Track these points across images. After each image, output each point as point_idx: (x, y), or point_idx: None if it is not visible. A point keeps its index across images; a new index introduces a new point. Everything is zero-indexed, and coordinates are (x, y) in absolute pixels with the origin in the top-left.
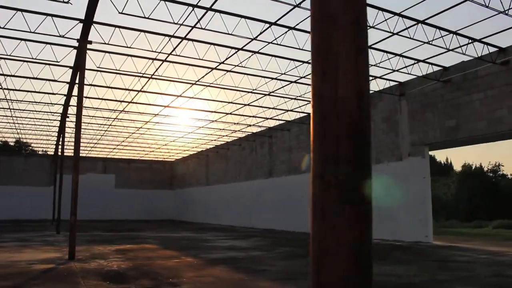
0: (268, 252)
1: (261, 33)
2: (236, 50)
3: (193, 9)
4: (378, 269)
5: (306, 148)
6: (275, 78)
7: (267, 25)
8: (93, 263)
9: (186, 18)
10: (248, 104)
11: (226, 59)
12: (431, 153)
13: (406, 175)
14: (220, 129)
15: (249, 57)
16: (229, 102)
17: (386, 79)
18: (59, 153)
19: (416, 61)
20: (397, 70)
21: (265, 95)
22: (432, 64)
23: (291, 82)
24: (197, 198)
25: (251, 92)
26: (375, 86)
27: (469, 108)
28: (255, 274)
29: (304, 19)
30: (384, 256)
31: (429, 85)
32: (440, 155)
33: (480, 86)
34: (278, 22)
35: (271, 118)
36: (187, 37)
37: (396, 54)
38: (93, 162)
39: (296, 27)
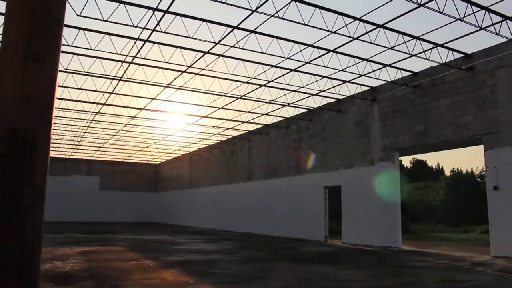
0: (230, 255)
1: (224, 37)
2: (203, 54)
3: (153, 13)
4: (330, 274)
5: (283, 152)
6: (246, 82)
7: (230, 28)
8: (48, 264)
9: (148, 21)
10: (222, 107)
11: (194, 62)
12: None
13: (377, 180)
14: (200, 132)
15: (214, 60)
16: (203, 105)
17: (357, 84)
18: None
19: (383, 66)
20: (364, 75)
21: (237, 98)
22: (400, 69)
23: (261, 85)
24: (180, 201)
25: (224, 95)
26: (345, 91)
27: (437, 114)
28: (203, 277)
29: (263, 22)
30: (346, 261)
31: (399, 90)
32: (431, 159)
33: (447, 91)
34: (240, 26)
35: (247, 122)
36: (150, 39)
37: (363, 59)
38: (77, 164)
39: (257, 30)
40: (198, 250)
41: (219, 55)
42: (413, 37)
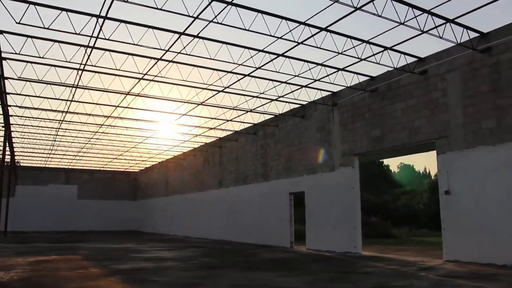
0: (183, 263)
1: (173, 43)
2: (156, 60)
3: (97, 20)
4: (269, 280)
5: (251, 158)
6: (205, 88)
7: (177, 35)
8: None
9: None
10: (185, 114)
11: (149, 70)
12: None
13: (337, 185)
14: (171, 139)
15: (165, 66)
16: (165, 112)
17: (317, 89)
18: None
19: (337, 70)
20: (319, 80)
21: (198, 104)
22: (357, 73)
23: (219, 91)
24: (157, 209)
25: (187, 102)
26: (307, 96)
27: (393, 118)
28: (139, 284)
29: (203, 28)
30: (297, 267)
31: (358, 95)
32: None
33: (402, 95)
34: (186, 32)
35: (214, 128)
36: (101, 47)
37: (317, 64)
38: (54, 172)
39: (207, 36)
40: (154, 258)
41: (168, 61)
42: (362, 41)
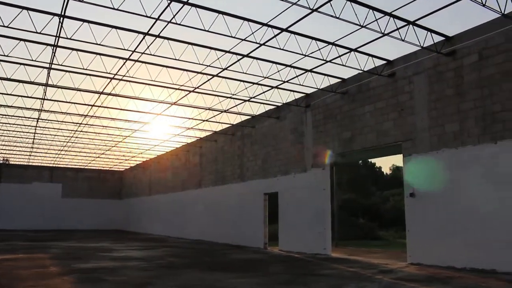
0: (147, 262)
1: (139, 44)
2: (125, 60)
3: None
4: (222, 281)
5: (229, 158)
6: (178, 89)
7: (141, 35)
8: None
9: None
10: (160, 114)
11: (118, 69)
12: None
13: (309, 187)
14: (151, 138)
15: (131, 66)
16: (145, 112)
17: (291, 90)
18: None
19: (304, 71)
20: (287, 81)
21: (171, 104)
22: (328, 75)
23: (190, 91)
24: (141, 208)
25: (159, 102)
26: (281, 97)
27: (362, 120)
28: (90, 284)
29: (163, 28)
30: (259, 268)
31: (330, 97)
32: None
33: (371, 97)
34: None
35: (191, 128)
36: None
37: (286, 65)
38: (39, 171)
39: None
40: (121, 257)
41: (134, 60)
42: (328, 42)
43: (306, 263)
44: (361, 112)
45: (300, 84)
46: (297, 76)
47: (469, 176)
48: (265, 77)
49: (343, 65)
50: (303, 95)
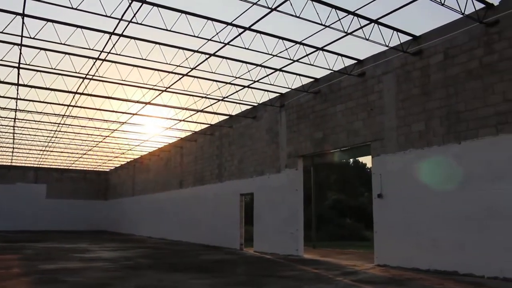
0: (114, 263)
1: (106, 43)
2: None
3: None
4: (180, 282)
5: (208, 159)
6: (151, 88)
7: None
8: None
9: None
10: (136, 114)
11: (89, 69)
12: None
13: (282, 187)
14: (133, 139)
15: (99, 66)
16: (120, 112)
17: (265, 90)
18: None
19: (274, 70)
20: (257, 81)
21: (146, 104)
22: (300, 75)
23: (162, 91)
24: (125, 209)
25: (131, 101)
26: (257, 97)
27: (333, 120)
28: (46, 285)
29: (126, 27)
30: (225, 269)
31: (304, 97)
32: None
33: (342, 97)
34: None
35: (170, 128)
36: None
37: (255, 64)
38: (23, 171)
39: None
40: (91, 258)
41: (102, 59)
42: (295, 42)
43: (274, 264)
44: (332, 112)
45: (271, 84)
46: (267, 75)
47: (433, 176)
48: (237, 77)
49: (311, 64)
50: (278, 95)
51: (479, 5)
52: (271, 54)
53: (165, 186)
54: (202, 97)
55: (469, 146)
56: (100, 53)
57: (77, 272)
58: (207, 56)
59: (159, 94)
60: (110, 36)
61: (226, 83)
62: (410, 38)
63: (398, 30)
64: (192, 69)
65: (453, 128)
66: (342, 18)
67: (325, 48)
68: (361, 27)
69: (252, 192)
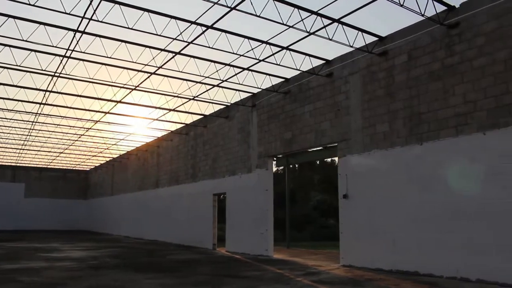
0: (79, 263)
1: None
2: (67, 59)
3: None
4: (135, 282)
5: (183, 158)
6: (122, 86)
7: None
8: None
9: None
10: (108, 112)
11: (57, 68)
12: None
13: (253, 187)
14: (109, 138)
15: (65, 64)
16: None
17: (236, 90)
18: None
19: (242, 69)
20: (226, 80)
21: (117, 102)
22: (270, 75)
23: (131, 89)
24: (104, 208)
25: (102, 99)
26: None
27: (302, 120)
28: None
29: (87, 25)
30: (187, 269)
31: (274, 97)
32: None
33: (311, 97)
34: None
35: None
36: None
37: (225, 64)
38: (0, 170)
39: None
40: (57, 258)
41: (67, 57)
42: (261, 41)
43: (239, 264)
44: (301, 112)
45: (240, 83)
46: (236, 75)
47: (396, 178)
48: (206, 77)
49: (277, 64)
50: (250, 94)
51: (442, 8)
52: (236, 54)
53: (142, 185)
54: (174, 96)
55: (430, 147)
56: (66, 51)
57: (37, 272)
58: (173, 54)
59: (129, 92)
60: (75, 34)
61: (196, 82)
62: (376, 39)
63: (363, 30)
64: (159, 67)
65: (415, 129)
66: (305, 18)
67: (290, 47)
68: (324, 27)
69: (225, 192)
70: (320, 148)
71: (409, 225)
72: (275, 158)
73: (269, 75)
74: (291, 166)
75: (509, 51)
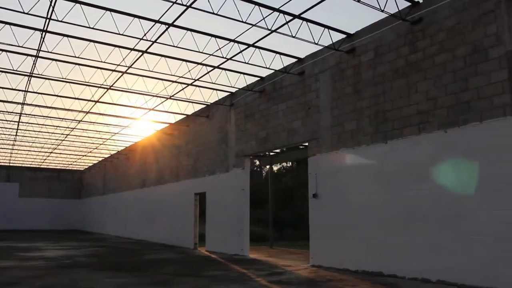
0: (51, 262)
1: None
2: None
3: None
4: (96, 281)
5: (168, 158)
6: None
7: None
8: None
9: None
10: (89, 112)
11: (33, 67)
12: None
13: (231, 187)
14: (97, 137)
15: (34, 63)
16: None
17: (214, 89)
18: None
19: (212, 67)
20: (198, 79)
21: (95, 102)
22: (243, 73)
23: (107, 89)
24: (97, 208)
25: (78, 99)
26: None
27: (276, 119)
28: None
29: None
30: (156, 268)
31: (251, 96)
32: None
33: (284, 96)
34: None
35: (127, 127)
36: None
37: (195, 63)
38: None
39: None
40: (30, 257)
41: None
42: (228, 40)
43: (209, 264)
44: (275, 111)
45: (214, 82)
46: (208, 73)
47: (362, 178)
48: (180, 76)
49: (245, 62)
50: (228, 93)
51: (406, 4)
52: (205, 53)
53: (131, 185)
54: (151, 95)
55: (394, 145)
56: (37, 51)
57: (2, 271)
58: (140, 54)
59: (105, 91)
60: (41, 34)
61: (171, 81)
62: (344, 36)
63: (329, 27)
64: (129, 67)
65: (380, 128)
66: (267, 16)
67: (258, 45)
68: (286, 23)
69: (205, 191)
70: (302, 147)
71: (374, 225)
72: (251, 157)
73: (242, 73)
74: (290, 164)
75: (468, 46)
